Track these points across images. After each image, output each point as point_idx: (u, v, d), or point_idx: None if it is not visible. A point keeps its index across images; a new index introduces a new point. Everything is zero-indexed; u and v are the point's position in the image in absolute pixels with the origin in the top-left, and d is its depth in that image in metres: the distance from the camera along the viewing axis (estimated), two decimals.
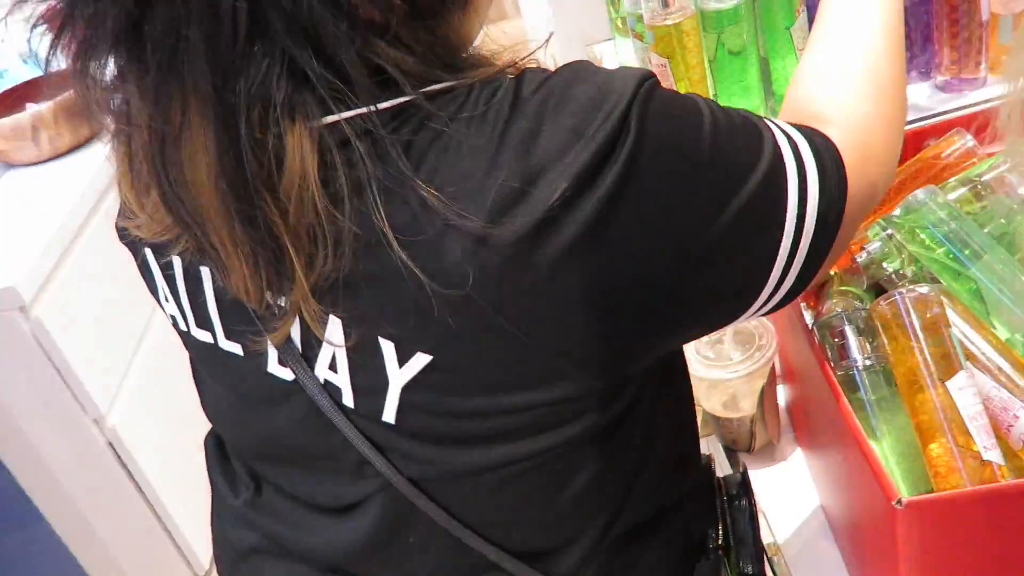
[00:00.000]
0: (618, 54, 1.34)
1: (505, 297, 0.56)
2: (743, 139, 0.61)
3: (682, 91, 1.01)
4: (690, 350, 1.04)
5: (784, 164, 0.62)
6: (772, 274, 0.63)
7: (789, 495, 1.03)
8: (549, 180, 0.54)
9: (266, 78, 0.54)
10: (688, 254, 0.58)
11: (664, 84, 0.99)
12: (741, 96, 1.02)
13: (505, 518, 0.68)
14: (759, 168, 0.61)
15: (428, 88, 0.57)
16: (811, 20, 1.01)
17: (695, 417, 0.81)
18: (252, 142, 0.55)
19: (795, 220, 0.62)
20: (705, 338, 1.05)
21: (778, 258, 0.62)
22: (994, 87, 1.05)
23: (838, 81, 0.71)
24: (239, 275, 0.59)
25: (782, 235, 0.62)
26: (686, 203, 0.58)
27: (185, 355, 0.76)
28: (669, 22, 0.97)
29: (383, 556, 0.72)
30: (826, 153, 0.65)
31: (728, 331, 1.03)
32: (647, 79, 0.58)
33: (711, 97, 1.04)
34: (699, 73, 1.00)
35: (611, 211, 0.55)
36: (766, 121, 0.65)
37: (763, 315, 0.67)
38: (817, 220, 0.63)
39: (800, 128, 0.66)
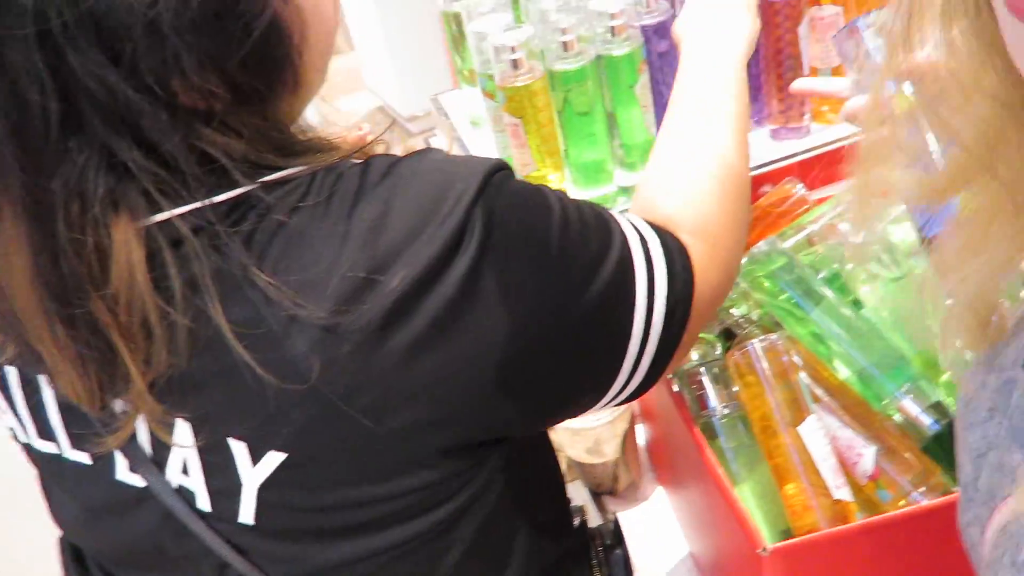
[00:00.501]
0: (467, 104, 1.35)
1: (354, 388, 0.55)
2: (593, 233, 0.63)
3: (534, 147, 1.04)
4: None
5: (633, 260, 0.64)
6: (624, 366, 0.65)
7: (655, 534, 1.07)
8: (397, 270, 0.54)
9: (84, 173, 0.52)
10: (538, 346, 0.59)
11: (517, 141, 1.01)
12: (590, 148, 1.06)
13: None
14: (608, 262, 0.62)
15: (267, 177, 0.56)
16: (652, 79, 1.06)
17: (563, 480, 0.83)
18: (71, 240, 0.53)
19: (644, 314, 0.64)
20: None
21: (628, 351, 0.64)
22: (816, 135, 1.13)
23: (685, 183, 0.75)
24: (67, 378, 0.57)
25: (632, 328, 0.64)
26: (535, 296, 0.59)
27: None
28: (519, 83, 0.99)
29: None
30: (675, 251, 0.68)
31: None
32: (497, 170, 0.59)
33: (562, 150, 1.07)
34: (550, 130, 1.03)
35: (460, 302, 0.56)
36: (617, 217, 0.67)
37: (618, 405, 0.70)
38: (666, 315, 0.65)
39: (651, 225, 0.69)
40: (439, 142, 1.81)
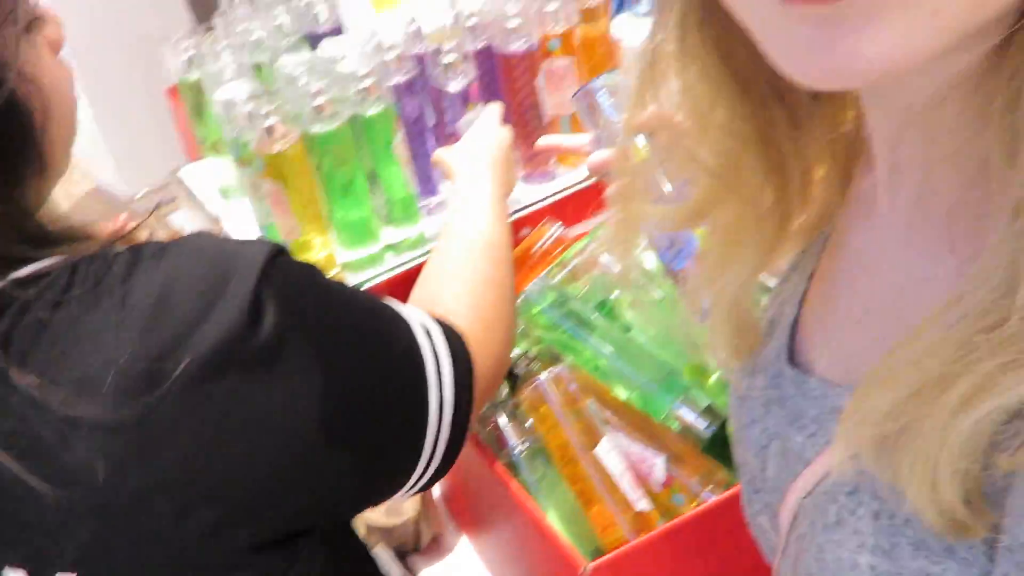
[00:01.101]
0: (215, 176, 1.31)
1: (147, 491, 0.52)
2: (380, 321, 0.65)
3: (297, 211, 1.03)
4: None
5: (420, 348, 0.66)
6: (424, 450, 0.66)
7: None
8: (183, 355, 0.52)
9: None
10: (337, 430, 0.59)
11: (279, 207, 1.00)
12: (353, 207, 1.06)
13: None
14: (397, 348, 0.64)
15: (20, 272, 0.52)
16: (408, 135, 1.09)
17: (369, 553, 0.81)
18: None
19: (437, 400, 0.66)
20: None
21: (427, 434, 0.66)
22: (563, 178, 1.21)
23: (459, 282, 0.80)
24: None
25: (427, 413, 0.66)
26: (331, 379, 0.58)
27: None
28: (276, 149, 0.98)
29: None
30: (456, 340, 0.71)
31: None
32: (280, 251, 0.58)
33: (325, 212, 1.07)
34: (311, 193, 1.03)
35: (253, 388, 0.54)
36: (396, 306, 0.69)
37: (419, 491, 0.72)
38: (455, 400, 0.68)
39: (430, 316, 0.71)
40: (182, 218, 1.73)
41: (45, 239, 0.55)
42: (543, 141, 1.02)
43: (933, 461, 0.33)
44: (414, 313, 0.69)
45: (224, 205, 1.32)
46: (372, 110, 1.02)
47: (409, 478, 0.67)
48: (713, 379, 0.90)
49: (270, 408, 0.55)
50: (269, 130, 0.98)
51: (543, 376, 0.87)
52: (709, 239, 0.53)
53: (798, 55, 0.31)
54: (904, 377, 0.35)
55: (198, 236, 0.58)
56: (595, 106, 0.80)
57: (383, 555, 1.11)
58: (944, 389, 0.33)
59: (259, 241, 0.59)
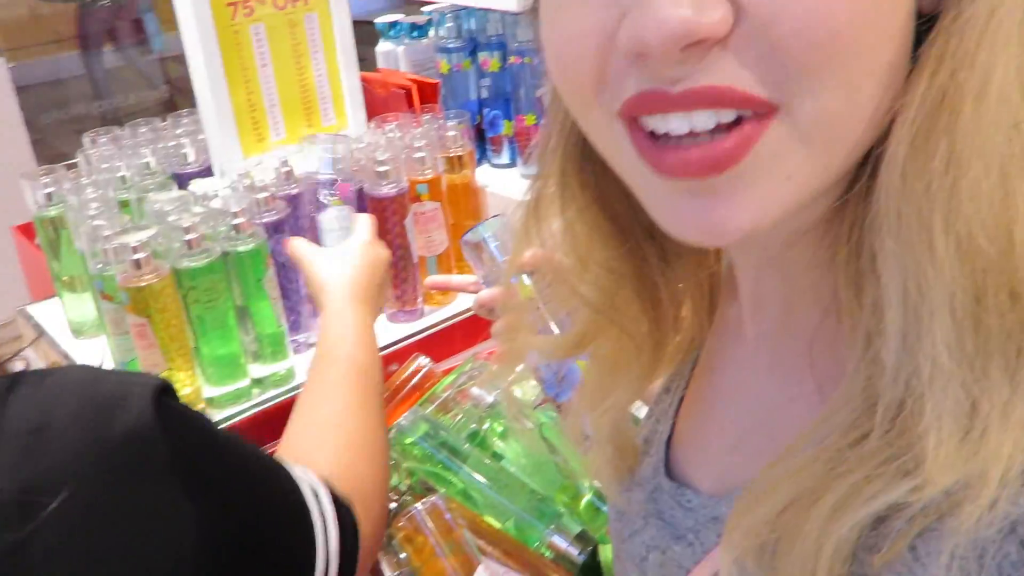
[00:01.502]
0: (68, 313, 1.27)
1: None
2: (272, 478, 0.66)
3: (163, 346, 1.01)
4: None
5: (310, 514, 0.67)
6: None
7: None
8: (55, 489, 0.50)
9: None
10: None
11: (144, 342, 0.98)
12: (221, 343, 1.05)
13: None
14: (285, 507, 0.65)
15: None
16: (279, 273, 1.10)
17: None
18: None
19: (323, 563, 0.67)
20: None
21: None
22: (430, 316, 1.25)
23: (334, 446, 0.80)
24: None
25: (315, 571, 0.66)
26: (209, 528, 0.57)
27: None
28: (144, 283, 0.97)
29: None
30: (343, 509, 0.71)
31: None
32: (166, 387, 0.58)
33: (192, 347, 1.05)
34: (179, 328, 1.01)
35: (128, 527, 0.53)
36: (288, 465, 0.70)
37: None
38: (340, 562, 0.68)
39: (319, 479, 0.72)
40: (30, 356, 1.64)
41: None
42: (431, 280, 1.05)
43: (811, 566, 0.36)
44: (303, 474, 0.70)
45: (75, 343, 1.27)
46: (244, 247, 1.03)
47: None
48: (584, 502, 0.93)
49: (151, 549, 0.53)
50: (137, 264, 0.97)
51: (419, 506, 0.88)
52: (590, 368, 0.57)
53: (677, 219, 0.37)
54: (781, 490, 0.38)
55: (81, 368, 0.57)
56: (481, 248, 0.85)
57: None
58: (817, 500, 0.36)
59: (143, 375, 0.59)
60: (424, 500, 0.88)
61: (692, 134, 0.34)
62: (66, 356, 1.24)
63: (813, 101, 0.33)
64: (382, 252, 1.00)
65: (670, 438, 0.55)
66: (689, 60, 0.33)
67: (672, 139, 0.35)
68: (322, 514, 0.68)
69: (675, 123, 0.34)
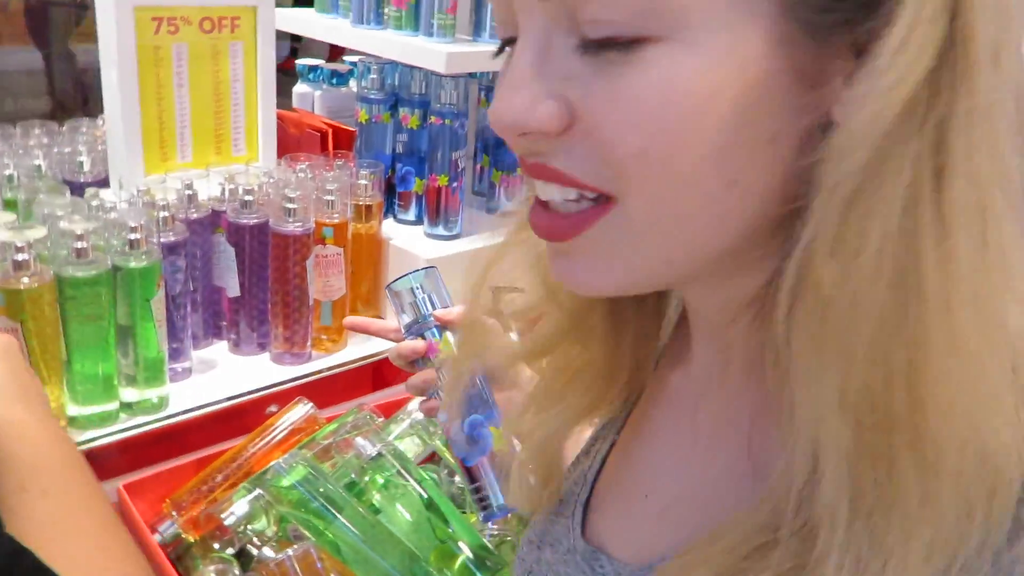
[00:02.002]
0: None
1: None
2: None
3: (32, 354, 0.95)
4: None
5: None
6: None
7: None
8: None
9: None
10: None
11: (16, 347, 0.92)
12: (98, 359, 1.00)
13: None
14: None
15: None
16: (167, 294, 1.06)
17: None
18: None
19: None
20: None
21: None
22: (317, 361, 1.22)
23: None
24: None
25: None
26: None
27: None
28: (23, 285, 0.91)
29: None
30: None
31: None
32: None
33: (63, 361, 0.99)
34: (52, 338, 0.95)
35: None
36: None
37: None
38: None
39: None
40: None
41: None
42: (351, 320, 1.01)
43: None
44: None
45: None
46: (137, 263, 0.99)
47: None
48: (458, 563, 0.91)
49: None
50: (18, 264, 0.91)
51: (290, 552, 0.84)
52: (545, 374, 0.56)
53: (552, 267, 0.42)
54: (697, 573, 0.39)
55: None
56: (407, 298, 0.85)
57: None
58: None
59: None
60: (296, 547, 0.85)
61: (550, 204, 0.39)
62: None
63: (642, 200, 0.36)
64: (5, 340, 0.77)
65: (588, 499, 0.55)
66: (538, 143, 0.37)
67: (540, 203, 0.40)
68: None
69: (539, 190, 0.40)
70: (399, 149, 1.35)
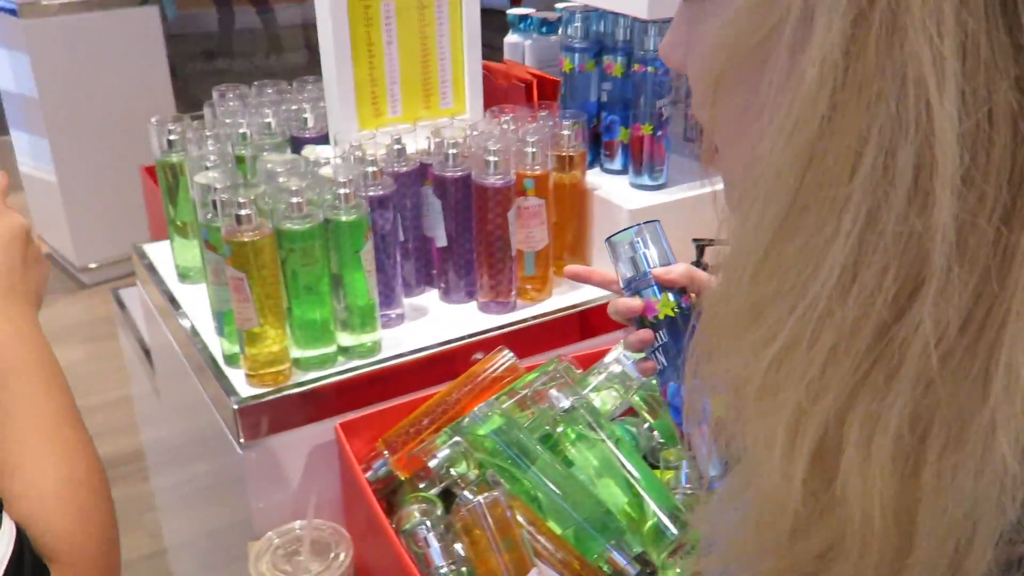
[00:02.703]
0: (176, 257, 1.31)
1: None
2: None
3: (257, 302, 1.03)
4: (266, 565, 1.01)
5: None
6: None
7: None
8: None
9: None
10: None
11: (240, 295, 1.00)
12: (313, 308, 1.07)
13: None
14: None
15: None
16: (377, 248, 1.11)
17: None
18: None
19: None
20: (281, 551, 1.03)
21: None
22: (522, 311, 1.24)
23: (41, 490, 0.67)
24: None
25: None
26: None
27: None
28: (246, 238, 0.99)
29: None
30: (27, 550, 0.62)
31: (305, 541, 1.02)
32: None
33: (286, 307, 1.07)
34: (274, 287, 1.03)
35: None
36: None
37: None
38: None
39: (17, 532, 0.62)
40: (134, 295, 1.71)
41: None
42: (572, 269, 1.00)
43: None
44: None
45: (179, 287, 1.31)
46: (346, 216, 1.05)
47: None
48: (649, 525, 0.91)
49: None
50: (241, 219, 0.99)
51: (480, 499, 0.87)
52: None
53: None
54: None
55: None
56: (628, 252, 0.84)
57: None
58: None
59: None
60: (486, 494, 0.88)
61: None
62: (170, 298, 1.28)
63: None
64: (12, 222, 0.79)
65: None
66: None
67: None
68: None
69: None
70: (604, 98, 1.33)
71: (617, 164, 1.34)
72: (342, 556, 1.02)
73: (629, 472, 0.94)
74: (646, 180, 1.29)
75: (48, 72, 3.12)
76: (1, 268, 0.74)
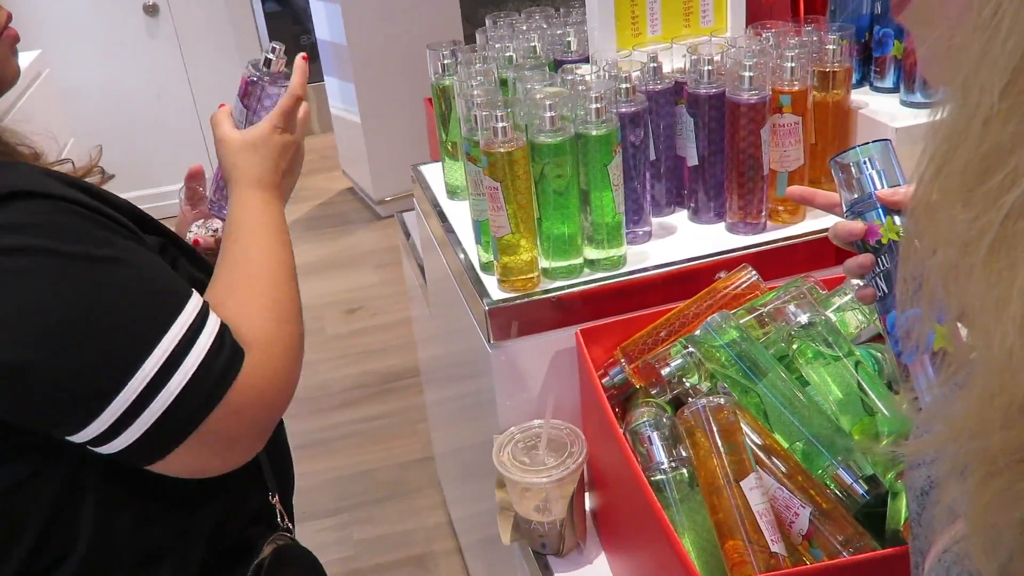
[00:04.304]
0: (447, 176, 1.42)
1: None
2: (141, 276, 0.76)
3: (510, 212, 1.10)
4: (507, 455, 1.09)
5: (168, 327, 0.74)
6: (105, 412, 0.72)
7: None
8: None
9: None
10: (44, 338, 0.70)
11: (495, 204, 1.07)
12: (562, 221, 1.12)
13: None
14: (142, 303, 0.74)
15: None
16: (624, 161, 1.14)
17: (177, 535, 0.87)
18: None
19: (149, 379, 0.73)
20: (521, 444, 1.11)
21: (114, 402, 0.72)
22: (770, 232, 1.22)
23: (246, 299, 0.84)
24: None
25: (126, 382, 0.72)
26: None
27: None
28: (502, 150, 1.06)
29: None
30: (228, 351, 0.77)
31: (543, 438, 1.09)
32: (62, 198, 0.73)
33: (536, 219, 1.13)
34: (527, 197, 1.10)
35: None
36: (187, 291, 0.79)
37: (113, 456, 0.76)
38: (178, 397, 0.74)
39: (222, 324, 0.79)
40: (412, 217, 1.87)
41: None
42: (794, 190, 0.98)
43: None
44: (203, 302, 0.78)
45: (448, 203, 1.42)
46: (596, 130, 1.08)
47: (83, 424, 0.72)
48: (881, 447, 0.87)
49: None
50: (498, 131, 1.06)
51: (704, 402, 0.89)
52: None
53: None
54: None
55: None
56: (853, 173, 0.80)
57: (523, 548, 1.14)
58: None
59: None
60: (711, 398, 0.89)
61: None
62: (439, 212, 1.40)
63: None
64: (287, 139, 0.99)
65: None
66: None
67: None
68: (191, 332, 0.75)
69: None
70: (877, 10, 1.25)
71: (888, 82, 1.27)
72: (576, 454, 1.07)
73: (864, 392, 0.91)
74: (918, 98, 1.21)
75: (356, 20, 3.42)
76: (269, 165, 0.96)
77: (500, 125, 1.06)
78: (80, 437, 0.73)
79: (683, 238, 1.24)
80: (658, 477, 0.91)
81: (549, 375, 1.17)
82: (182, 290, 0.78)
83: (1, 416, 0.72)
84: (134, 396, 0.72)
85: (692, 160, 1.23)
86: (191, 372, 0.74)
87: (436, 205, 1.43)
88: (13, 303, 0.69)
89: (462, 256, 1.26)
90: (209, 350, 0.75)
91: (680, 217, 1.29)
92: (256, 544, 0.92)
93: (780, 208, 1.23)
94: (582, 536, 1.15)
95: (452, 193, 1.43)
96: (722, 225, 1.25)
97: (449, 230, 1.34)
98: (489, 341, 1.15)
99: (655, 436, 0.93)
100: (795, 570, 0.76)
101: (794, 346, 0.98)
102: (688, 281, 1.17)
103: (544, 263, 1.16)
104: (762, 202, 1.20)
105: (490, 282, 1.18)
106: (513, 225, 1.11)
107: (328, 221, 3.99)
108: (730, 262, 1.18)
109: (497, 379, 1.17)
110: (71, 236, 0.72)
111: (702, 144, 1.21)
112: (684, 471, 0.90)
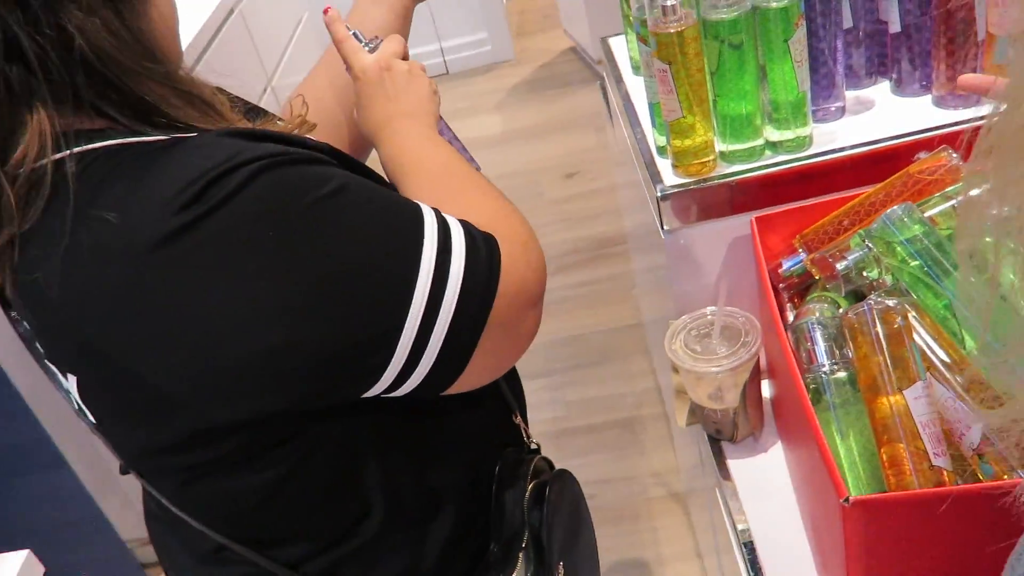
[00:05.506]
0: (630, 50, 1.38)
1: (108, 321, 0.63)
2: (382, 208, 0.68)
3: (682, 95, 1.05)
4: (679, 343, 1.09)
5: (422, 238, 0.68)
6: (397, 348, 0.66)
7: (767, 486, 1.08)
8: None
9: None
10: (291, 305, 0.63)
11: (665, 87, 1.03)
12: (738, 101, 1.06)
13: (210, 510, 0.75)
14: (388, 230, 0.67)
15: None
16: (809, 33, 1.04)
17: (444, 458, 0.85)
18: None
19: (427, 297, 0.66)
20: (694, 332, 1.10)
21: (403, 333, 0.66)
22: (982, 108, 1.08)
23: (465, 201, 0.78)
24: None
25: (407, 309, 0.66)
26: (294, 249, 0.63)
27: None
28: (671, 30, 1.01)
29: (155, 527, 0.84)
30: (482, 243, 0.71)
31: (716, 326, 1.08)
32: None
33: (711, 100, 1.08)
34: (699, 79, 1.04)
35: (227, 247, 0.61)
36: (421, 205, 0.71)
37: (408, 394, 0.71)
38: (460, 297, 0.68)
39: (459, 220, 0.72)
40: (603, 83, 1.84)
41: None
42: (967, 77, 0.87)
43: None
44: (434, 212, 0.71)
45: (632, 78, 1.38)
46: (776, 2, 1.00)
47: (377, 375, 0.67)
48: None
49: (236, 264, 0.62)
50: (666, 10, 1.01)
51: (872, 303, 0.84)
52: None
53: None
54: None
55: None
56: None
57: (698, 431, 1.15)
58: None
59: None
60: (878, 299, 0.84)
61: None
62: (623, 87, 1.36)
63: None
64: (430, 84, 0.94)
65: None
66: None
67: None
68: (443, 244, 0.68)
69: None
70: None
71: None
72: (750, 343, 1.05)
73: None
74: None
75: None
76: (427, 106, 0.92)
77: (669, 3, 1.01)
78: (377, 388, 0.69)
79: (881, 113, 1.14)
80: (819, 377, 0.88)
81: (726, 262, 1.14)
82: (410, 201, 0.72)
83: (295, 400, 0.68)
84: (420, 318, 0.66)
85: (895, 26, 1.11)
86: (461, 274, 0.68)
87: (620, 80, 1.39)
88: (270, 285, 0.62)
89: (639, 136, 1.23)
90: (466, 247, 0.69)
91: (882, 89, 1.18)
92: (519, 467, 0.91)
93: (998, 78, 1.08)
94: (757, 425, 1.14)
95: (636, 68, 1.38)
96: (928, 98, 1.13)
97: (630, 109, 1.31)
98: (663, 228, 1.13)
99: (819, 335, 0.89)
100: (958, 488, 0.72)
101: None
102: (882, 162, 1.08)
103: (721, 146, 1.11)
104: (976, 71, 1.07)
105: (665, 166, 1.15)
106: (685, 108, 1.06)
107: (548, 83, 3.98)
108: (935, 141, 1.07)
109: (671, 266, 1.16)
110: (298, 191, 0.65)
111: (908, 6, 1.08)
112: (844, 374, 0.86)
